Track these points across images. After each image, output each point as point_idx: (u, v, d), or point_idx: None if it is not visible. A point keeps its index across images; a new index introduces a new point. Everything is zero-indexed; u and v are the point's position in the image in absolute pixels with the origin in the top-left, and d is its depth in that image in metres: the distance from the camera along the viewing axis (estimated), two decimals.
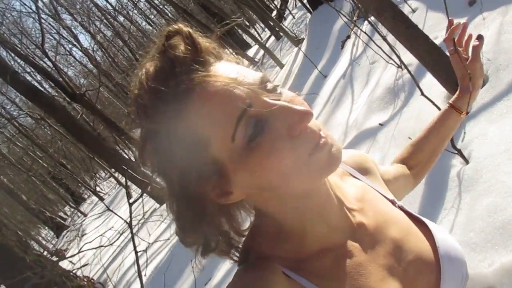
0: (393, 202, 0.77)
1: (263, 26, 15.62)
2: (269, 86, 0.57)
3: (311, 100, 4.75)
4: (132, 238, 2.70)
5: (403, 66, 3.59)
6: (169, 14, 15.79)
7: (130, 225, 2.72)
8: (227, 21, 7.10)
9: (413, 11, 4.29)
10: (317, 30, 6.22)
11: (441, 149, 0.98)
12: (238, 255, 0.65)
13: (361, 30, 4.54)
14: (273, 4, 19.01)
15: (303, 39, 7.06)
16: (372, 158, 0.86)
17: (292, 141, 0.54)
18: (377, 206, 0.74)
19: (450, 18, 0.94)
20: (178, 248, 5.26)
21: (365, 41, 4.34)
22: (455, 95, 0.95)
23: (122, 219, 3.08)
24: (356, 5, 5.47)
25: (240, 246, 0.65)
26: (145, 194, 7.71)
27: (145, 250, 5.38)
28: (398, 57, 2.90)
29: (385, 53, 3.61)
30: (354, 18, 5.35)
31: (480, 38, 0.89)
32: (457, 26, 0.91)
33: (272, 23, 9.89)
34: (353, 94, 4.01)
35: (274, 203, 0.63)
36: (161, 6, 15.21)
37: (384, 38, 3.03)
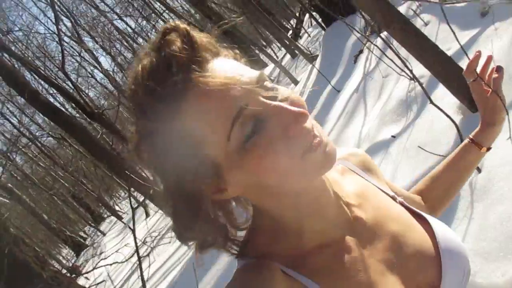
0: (393, 198, 0.77)
1: (279, 45, 15.80)
2: (266, 84, 0.57)
3: (325, 114, 4.75)
4: (136, 247, 2.71)
5: (414, 79, 3.58)
6: None
7: (133, 230, 2.74)
8: (225, 21, 7.18)
9: (426, 24, 4.28)
10: (331, 46, 6.26)
11: (460, 185, 0.94)
12: (236, 248, 0.65)
13: (373, 44, 4.55)
14: (289, 24, 19.25)
15: (317, 55, 7.10)
16: (372, 159, 0.85)
17: (287, 141, 0.55)
18: (377, 201, 0.73)
19: (477, 51, 0.87)
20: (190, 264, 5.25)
21: (378, 55, 4.34)
22: (477, 129, 0.91)
23: (129, 227, 3.11)
24: (369, 21, 5.50)
25: (238, 239, 0.65)
26: (162, 213, 7.75)
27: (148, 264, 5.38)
28: (410, 70, 2.89)
29: (398, 66, 3.61)
30: (367, 33, 5.37)
31: (499, 70, 0.86)
32: (476, 57, 0.86)
33: (287, 42, 9.98)
34: (366, 108, 4.00)
35: (269, 200, 0.63)
36: None
37: (396, 53, 3.04)
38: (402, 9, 5.17)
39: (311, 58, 7.40)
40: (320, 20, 7.88)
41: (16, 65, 7.55)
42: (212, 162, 0.56)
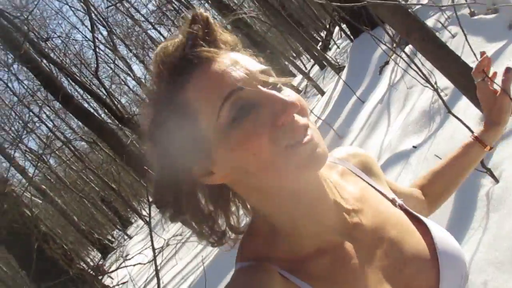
0: (393, 201, 0.77)
1: (308, 56, 15.84)
2: (270, 80, 0.59)
3: (349, 124, 4.76)
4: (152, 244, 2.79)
5: (439, 90, 3.55)
6: None
7: (148, 223, 2.83)
8: (237, 13, 7.25)
9: (453, 36, 4.25)
10: (358, 57, 6.26)
11: (460, 181, 0.96)
12: (217, 240, 0.65)
13: (399, 56, 4.54)
14: (319, 36, 19.26)
15: (344, 66, 7.11)
16: (373, 159, 0.85)
17: (274, 129, 0.56)
18: (376, 206, 0.73)
19: (482, 51, 0.92)
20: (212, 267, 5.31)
21: (404, 67, 4.33)
22: (481, 128, 0.93)
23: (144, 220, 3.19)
24: (396, 34, 5.49)
25: (220, 231, 0.66)
26: None
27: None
28: (429, 82, 2.88)
29: (422, 77, 3.59)
30: (394, 45, 5.35)
31: (508, 71, 0.88)
32: (484, 58, 0.89)
33: (316, 53, 10.02)
34: (389, 118, 3.99)
35: (263, 202, 0.64)
36: None
37: (421, 64, 3.04)
38: (430, 21, 5.15)
39: (338, 69, 7.42)
40: (348, 32, 7.90)
41: (54, 71, 7.93)
42: (202, 137, 0.58)
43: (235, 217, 0.68)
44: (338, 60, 9.61)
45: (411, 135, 3.34)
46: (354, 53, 6.54)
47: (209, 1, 9.54)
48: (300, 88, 11.79)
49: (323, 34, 19.33)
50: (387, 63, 4.86)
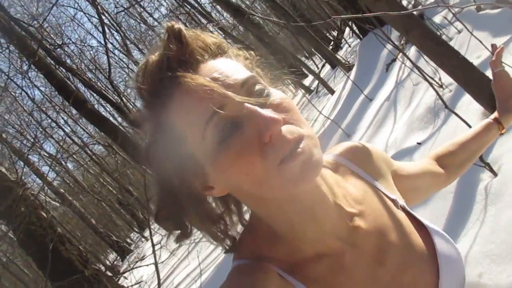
0: (395, 202, 0.75)
1: (320, 56, 15.80)
2: (256, 88, 0.57)
3: (357, 122, 4.77)
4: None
5: (444, 86, 3.54)
6: None
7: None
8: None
9: (459, 31, 4.23)
10: (366, 56, 6.26)
11: (475, 158, 1.00)
12: (229, 244, 0.65)
13: (404, 54, 4.54)
14: (331, 35, 19.17)
15: (353, 65, 7.12)
16: (378, 151, 0.82)
17: (262, 147, 0.54)
18: (378, 208, 0.71)
19: (493, 43, 1.00)
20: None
21: (410, 65, 4.33)
22: (497, 113, 0.97)
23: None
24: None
25: (232, 236, 0.65)
26: None
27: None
28: (426, 79, 2.90)
29: (425, 75, 3.60)
30: (401, 43, 5.35)
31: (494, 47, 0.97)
32: (501, 49, 0.95)
33: (326, 53, 10.03)
34: (396, 116, 3.99)
35: (261, 207, 0.63)
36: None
37: (417, 67, 3.05)
38: (437, 18, 5.12)
39: (348, 68, 7.42)
40: (357, 31, 7.90)
41: (68, 77, 8.12)
42: (194, 158, 0.57)
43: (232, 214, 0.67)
44: (348, 59, 9.60)
45: (416, 132, 3.35)
46: (362, 52, 6.54)
47: (220, 4, 9.60)
48: (312, 88, 11.81)
49: (334, 33, 19.26)
50: (394, 60, 4.86)
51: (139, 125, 0.63)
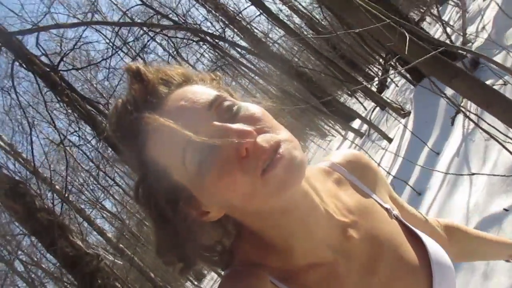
0: (389, 211, 0.75)
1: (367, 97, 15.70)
2: (224, 104, 0.59)
3: (425, 179, 4.65)
4: None
5: None
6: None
7: None
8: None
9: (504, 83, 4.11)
10: (423, 104, 6.18)
11: (481, 258, 1.05)
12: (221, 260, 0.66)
13: (469, 111, 4.44)
14: (372, 71, 19.10)
15: (409, 112, 7.03)
16: (379, 170, 0.83)
17: (241, 161, 0.55)
18: (371, 218, 0.72)
19: None
20: None
21: (475, 119, 4.21)
22: None
23: None
24: None
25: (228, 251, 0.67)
26: None
27: None
28: (506, 135, 2.80)
29: (500, 131, 3.48)
30: (461, 102, 5.23)
31: None
32: None
33: (376, 98, 9.98)
34: (470, 174, 3.87)
35: (255, 221, 0.64)
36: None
37: (486, 132, 2.97)
38: (499, 57, 4.99)
39: (403, 115, 7.33)
40: (406, 73, 7.84)
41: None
42: (181, 186, 0.59)
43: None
44: (399, 100, 9.48)
45: (499, 195, 3.22)
46: (419, 99, 6.47)
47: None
48: (363, 131, 11.68)
49: (376, 69, 19.19)
50: (458, 112, 4.76)
51: (126, 164, 0.65)
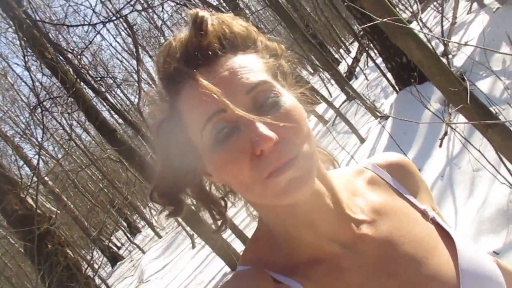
0: (424, 213, 0.73)
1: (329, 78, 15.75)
2: (263, 96, 0.58)
3: None
4: None
5: None
6: None
7: None
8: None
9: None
10: (405, 112, 6.20)
11: None
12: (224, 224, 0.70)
13: (456, 131, 4.49)
14: (338, 54, 19.17)
15: (387, 116, 7.05)
16: (415, 168, 0.82)
17: (253, 158, 0.56)
18: (399, 219, 0.70)
19: None
20: None
21: (463, 141, 4.27)
22: None
23: None
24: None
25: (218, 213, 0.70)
26: (211, 250, 7.80)
27: None
28: (510, 172, 2.82)
29: (490, 163, 3.53)
30: (449, 110, 5.29)
31: None
32: None
33: (348, 89, 9.95)
34: (455, 203, 3.93)
35: (255, 206, 0.66)
36: None
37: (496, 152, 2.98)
38: (482, 85, 5.06)
39: (379, 116, 7.35)
40: (392, 79, 7.84)
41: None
42: (193, 145, 0.62)
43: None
44: (368, 95, 9.52)
45: (488, 235, 3.29)
46: (400, 106, 6.49)
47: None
48: (327, 118, 11.68)
49: (344, 54, 19.28)
50: (446, 134, 4.81)
51: (154, 103, 0.65)
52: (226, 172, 0.58)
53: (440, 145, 4.66)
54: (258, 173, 0.56)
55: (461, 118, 4.99)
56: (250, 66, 0.60)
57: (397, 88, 6.92)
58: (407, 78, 6.24)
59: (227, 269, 7.29)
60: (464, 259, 0.67)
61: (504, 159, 2.75)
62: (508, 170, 2.82)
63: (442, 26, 6.06)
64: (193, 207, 0.82)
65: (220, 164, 0.58)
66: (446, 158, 4.59)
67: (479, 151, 3.70)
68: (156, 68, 0.63)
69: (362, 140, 7.19)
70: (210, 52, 0.59)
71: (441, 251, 0.68)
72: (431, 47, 2.36)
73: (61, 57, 5.67)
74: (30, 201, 5.42)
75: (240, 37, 0.62)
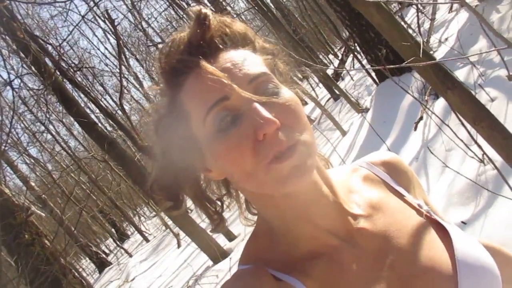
0: (418, 207, 0.74)
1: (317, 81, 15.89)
2: (264, 86, 0.60)
3: None
4: None
5: (485, 161, 3.54)
6: None
7: None
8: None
9: (492, 100, 4.27)
10: (384, 103, 6.28)
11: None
12: (221, 225, 0.70)
13: (432, 112, 4.56)
14: (327, 59, 19.30)
15: (367, 108, 7.13)
16: (408, 168, 0.83)
17: (255, 143, 0.57)
18: (393, 214, 0.71)
19: None
20: None
21: (439, 123, 4.33)
22: None
23: None
24: (426, 85, 5.52)
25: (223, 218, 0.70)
26: (196, 247, 7.77)
27: None
28: (481, 148, 2.87)
29: (462, 141, 3.58)
30: (425, 97, 5.37)
31: None
32: None
33: (334, 88, 10.05)
34: (428, 181, 3.98)
35: (255, 201, 0.67)
36: None
37: (468, 132, 3.03)
38: (459, 74, 5.17)
39: (360, 110, 7.43)
40: (369, 67, 7.94)
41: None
42: (194, 137, 0.62)
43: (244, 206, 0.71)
44: (353, 93, 9.64)
45: (457, 207, 3.33)
46: (381, 98, 6.56)
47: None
48: (313, 118, 11.80)
49: (331, 58, 19.41)
50: (421, 118, 4.87)
51: (154, 97, 0.67)
52: (229, 161, 0.58)
53: (415, 128, 4.72)
54: (260, 159, 0.56)
55: (437, 104, 5.08)
56: (251, 59, 0.62)
57: (377, 81, 7.00)
58: (386, 70, 6.33)
59: (209, 262, 7.28)
60: (459, 251, 0.68)
61: (475, 137, 2.81)
62: (479, 146, 2.86)
63: (418, 18, 6.15)
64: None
65: (223, 152, 0.58)
66: (422, 142, 4.65)
67: (451, 129, 3.77)
68: (158, 64, 0.64)
69: (344, 134, 7.25)
70: (212, 46, 0.62)
71: (437, 243, 0.69)
72: (389, 10, 2.40)
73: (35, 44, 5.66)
74: (7, 191, 5.37)
75: (239, 35, 0.64)
